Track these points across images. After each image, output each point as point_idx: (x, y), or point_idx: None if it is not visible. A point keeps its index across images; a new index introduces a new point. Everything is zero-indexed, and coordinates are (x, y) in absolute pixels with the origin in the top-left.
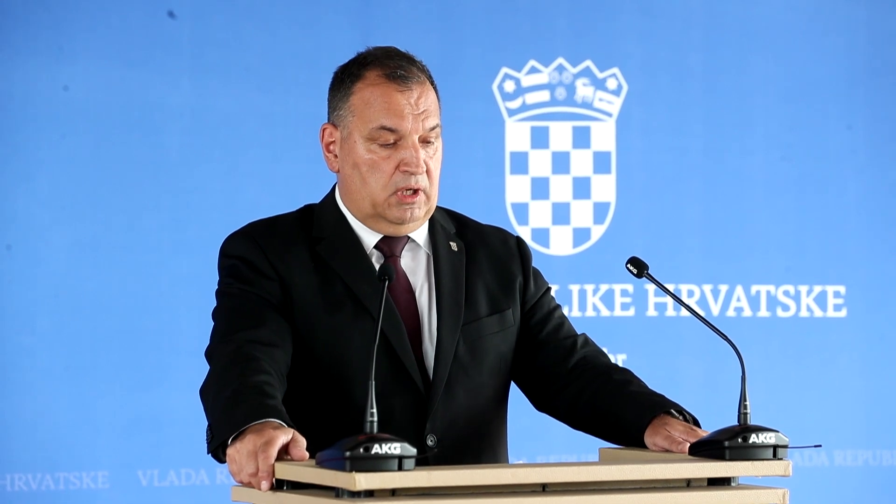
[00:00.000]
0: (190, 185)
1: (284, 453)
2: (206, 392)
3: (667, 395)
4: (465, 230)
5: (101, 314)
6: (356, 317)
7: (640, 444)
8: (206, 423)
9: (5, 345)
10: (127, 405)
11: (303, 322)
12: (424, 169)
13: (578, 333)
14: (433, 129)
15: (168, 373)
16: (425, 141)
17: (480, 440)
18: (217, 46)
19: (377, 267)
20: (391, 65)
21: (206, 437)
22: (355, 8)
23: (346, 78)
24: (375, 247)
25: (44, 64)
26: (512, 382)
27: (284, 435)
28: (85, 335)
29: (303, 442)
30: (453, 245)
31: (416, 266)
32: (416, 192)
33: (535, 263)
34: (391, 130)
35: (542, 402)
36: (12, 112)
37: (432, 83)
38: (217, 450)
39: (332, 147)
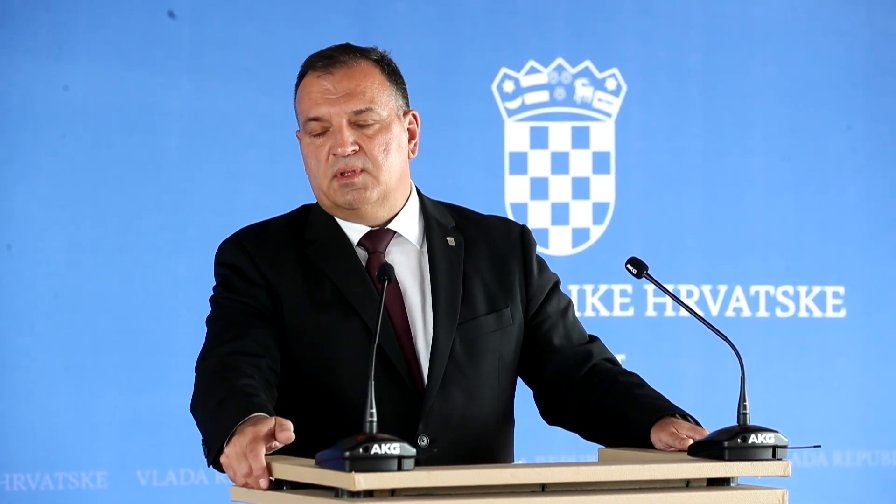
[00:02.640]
0: (189, 185)
1: (272, 440)
2: (194, 409)
3: (666, 396)
4: (466, 223)
5: (100, 314)
6: (345, 318)
7: (643, 444)
8: (201, 438)
9: (4, 345)
10: (126, 405)
11: (292, 325)
12: (354, 149)
13: (590, 337)
14: (361, 112)
15: (167, 373)
16: (358, 124)
17: (477, 442)
18: (217, 47)
19: (365, 266)
20: (318, 56)
21: (203, 452)
22: (354, 9)
23: (295, 86)
24: (359, 244)
25: (44, 64)
26: (517, 389)
27: (266, 425)
28: (84, 335)
29: (287, 424)
30: (450, 240)
31: (406, 261)
32: (353, 172)
33: None
34: (315, 120)
35: (554, 412)
36: (12, 112)
37: (381, 67)
38: (216, 460)
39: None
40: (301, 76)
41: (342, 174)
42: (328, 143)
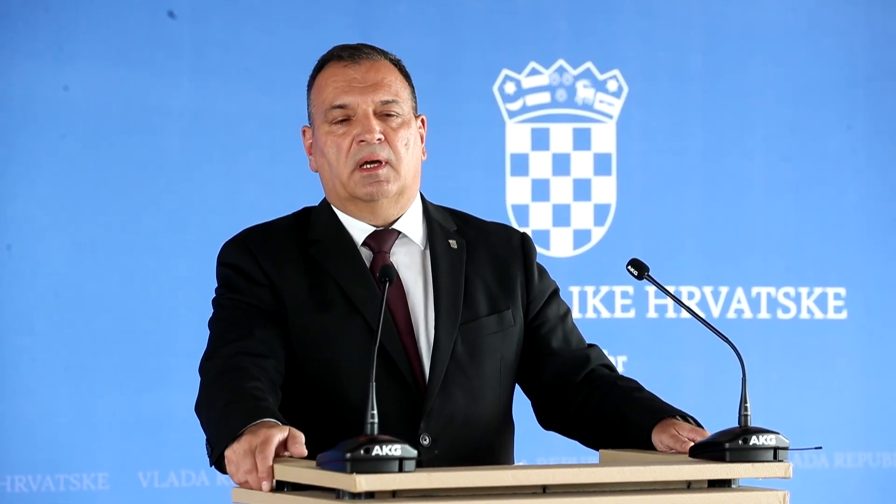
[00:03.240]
0: (190, 185)
1: (283, 450)
2: (199, 409)
3: (667, 398)
4: (466, 227)
5: (100, 315)
6: (348, 318)
7: (643, 446)
8: (205, 439)
9: (5, 345)
10: (127, 406)
11: (296, 325)
12: (381, 139)
13: (589, 344)
14: (388, 103)
15: (168, 374)
16: (383, 114)
17: (479, 442)
18: (217, 47)
19: (369, 265)
20: (341, 48)
21: (206, 452)
22: (355, 9)
23: (310, 77)
24: (364, 243)
25: (44, 64)
26: (518, 392)
27: (280, 433)
28: (85, 336)
29: (301, 437)
30: (452, 243)
31: (409, 262)
32: (377, 163)
33: None
34: (341, 107)
35: (551, 416)
36: (12, 112)
37: (399, 68)
38: (220, 460)
39: (311, 148)
40: (320, 67)
41: (366, 165)
42: (353, 132)
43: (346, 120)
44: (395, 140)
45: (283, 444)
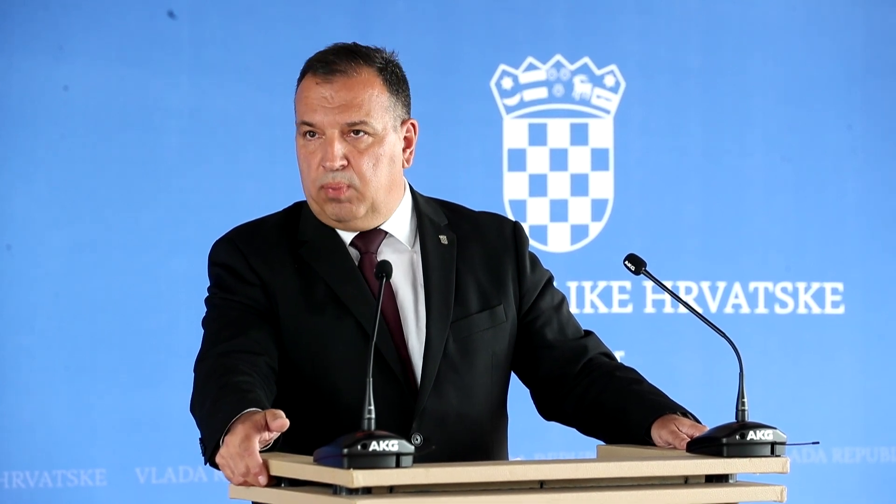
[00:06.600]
0: (189, 184)
1: (266, 430)
2: (192, 409)
3: (665, 392)
4: (458, 220)
5: (100, 314)
6: (339, 318)
7: (642, 441)
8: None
9: (5, 344)
10: (125, 403)
11: (288, 325)
12: (343, 164)
13: (585, 332)
14: (355, 124)
15: (166, 371)
16: (351, 133)
17: (472, 440)
18: (216, 46)
19: (358, 265)
20: (321, 58)
21: (201, 451)
22: (354, 7)
23: (297, 80)
24: (351, 244)
25: (43, 64)
26: (513, 384)
27: (255, 420)
28: (84, 334)
29: (279, 412)
30: (443, 238)
31: (397, 261)
32: (339, 189)
33: None
34: (308, 124)
35: (551, 408)
36: (12, 112)
37: (384, 75)
38: (213, 459)
39: None
40: (302, 75)
41: (327, 188)
42: (319, 153)
43: (315, 137)
44: (360, 163)
45: (264, 426)
